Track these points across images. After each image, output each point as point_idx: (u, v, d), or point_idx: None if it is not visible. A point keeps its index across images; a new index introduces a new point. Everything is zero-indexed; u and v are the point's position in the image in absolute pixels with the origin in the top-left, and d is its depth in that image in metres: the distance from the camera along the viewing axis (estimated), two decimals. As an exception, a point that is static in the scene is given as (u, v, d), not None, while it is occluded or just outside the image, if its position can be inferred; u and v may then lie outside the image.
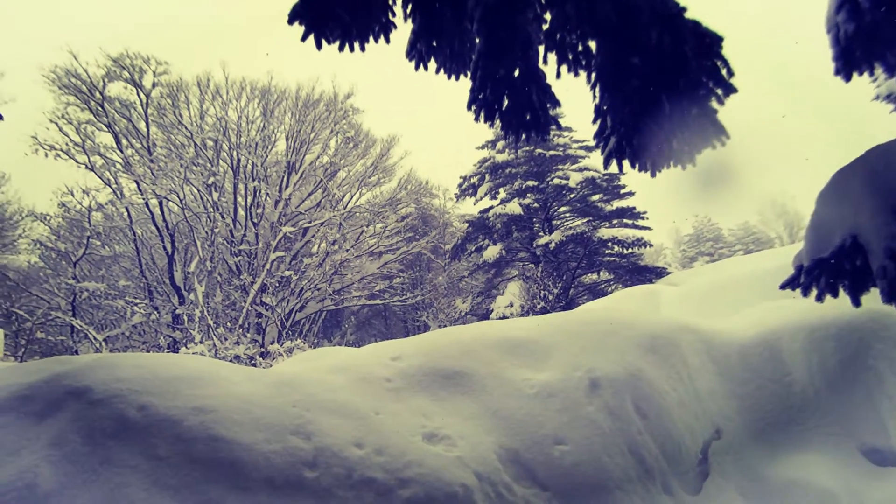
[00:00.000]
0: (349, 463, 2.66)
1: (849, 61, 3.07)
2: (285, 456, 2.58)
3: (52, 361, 3.13)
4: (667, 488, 3.47)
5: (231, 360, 12.15)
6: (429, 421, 3.17)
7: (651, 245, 16.01)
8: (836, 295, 2.34)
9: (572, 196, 16.51)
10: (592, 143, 2.93)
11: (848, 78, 3.11)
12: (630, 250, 15.54)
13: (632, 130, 2.79)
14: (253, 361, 12.48)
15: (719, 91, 2.63)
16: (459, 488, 2.71)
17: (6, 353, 12.94)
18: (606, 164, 2.90)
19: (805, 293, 2.41)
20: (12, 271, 15.73)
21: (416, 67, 3.11)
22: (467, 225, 17.50)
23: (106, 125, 14.91)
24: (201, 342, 12.39)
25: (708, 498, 3.59)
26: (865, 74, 3.15)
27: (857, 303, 2.32)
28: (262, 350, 13.73)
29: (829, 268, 2.27)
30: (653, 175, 2.92)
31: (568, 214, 17.18)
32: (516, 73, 2.64)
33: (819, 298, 2.36)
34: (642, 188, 17.33)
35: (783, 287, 2.55)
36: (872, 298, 2.57)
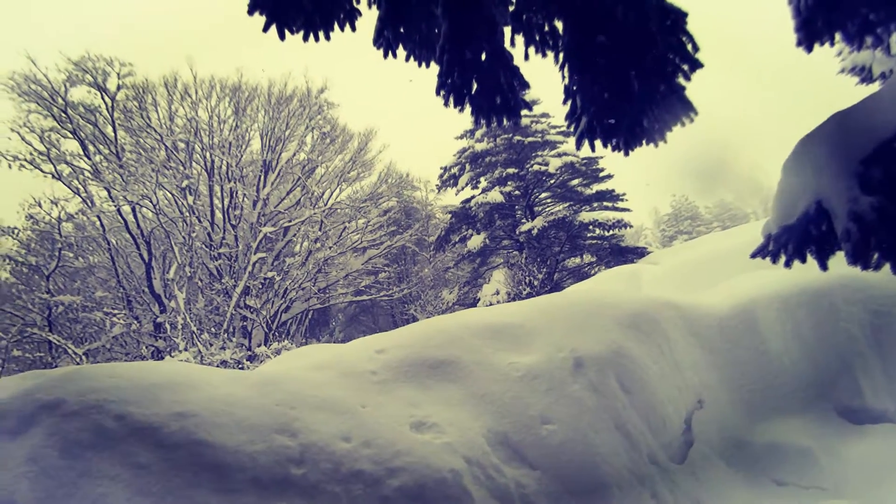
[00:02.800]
0: (337, 457, 2.65)
1: (810, 32, 3.10)
2: (271, 455, 2.55)
3: (24, 377, 3.03)
4: (653, 459, 3.56)
5: (218, 366, 11.96)
6: (416, 410, 3.17)
7: (631, 226, 16.24)
8: (803, 260, 2.40)
9: (552, 182, 16.61)
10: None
11: (809, 49, 3.16)
12: (611, 232, 15.73)
13: (602, 110, 2.79)
14: (240, 365, 12.33)
15: (685, 67, 2.64)
16: (449, 474, 2.73)
17: (-19, 372, 12.52)
18: (579, 144, 2.90)
19: (774, 260, 2.46)
20: (-18, 289, 15.16)
21: (385, 55, 3.05)
22: (450, 216, 17.48)
23: (71, 132, 14.36)
24: (186, 349, 12.17)
25: (693, 465, 3.69)
26: (829, 46, 3.21)
27: (823, 266, 2.38)
28: (250, 353, 13.56)
29: (795, 234, 2.32)
30: (626, 154, 2.93)
31: (549, 200, 17.29)
32: (483, 55, 2.61)
33: (787, 265, 2.42)
34: (621, 171, 17.53)
35: (753, 256, 2.61)
36: (841, 263, 2.66)
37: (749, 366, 4.43)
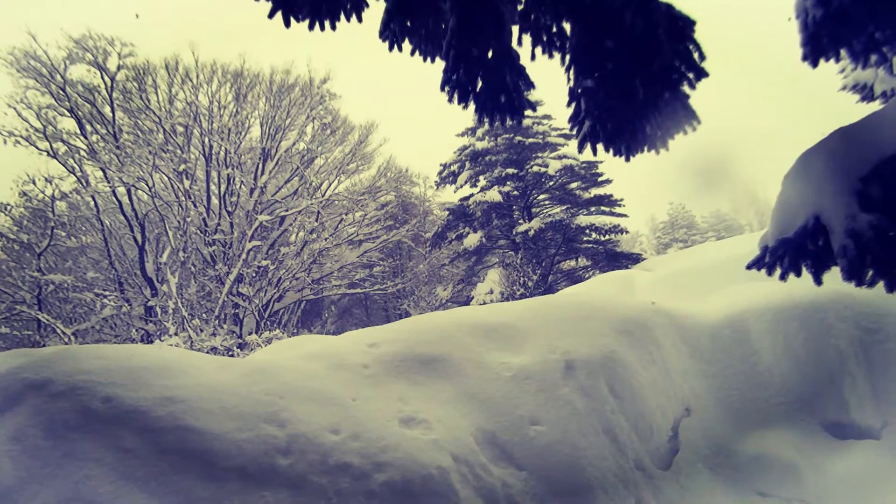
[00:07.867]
0: (324, 449, 2.64)
1: (816, 47, 3.12)
2: (258, 444, 2.54)
3: (11, 354, 2.99)
4: (639, 464, 3.57)
5: (208, 352, 11.91)
6: (406, 406, 3.17)
7: (627, 232, 16.30)
8: (798, 274, 2.42)
9: (551, 184, 16.63)
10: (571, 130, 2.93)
11: (815, 64, 3.17)
12: (607, 237, 15.79)
13: (606, 114, 2.78)
14: (230, 353, 12.27)
15: (691, 75, 2.64)
16: (435, 470, 2.73)
17: (-33, 348, 12.38)
18: (581, 147, 2.90)
19: (769, 273, 2.48)
20: (-29, 264, 14.98)
21: (390, 48, 3.02)
22: (447, 213, 17.47)
23: (68, 110, 14.19)
24: (176, 334, 12.09)
25: (678, 472, 3.71)
26: (833, 62, 3.22)
27: (818, 281, 2.40)
28: (240, 341, 13.50)
29: (792, 248, 2.34)
30: (627, 160, 2.93)
31: (547, 202, 17.32)
32: (490, 53, 2.60)
33: (783, 277, 2.44)
34: (620, 175, 17.56)
35: (749, 267, 2.62)
36: (836, 278, 2.67)
37: (738, 376, 4.46)
